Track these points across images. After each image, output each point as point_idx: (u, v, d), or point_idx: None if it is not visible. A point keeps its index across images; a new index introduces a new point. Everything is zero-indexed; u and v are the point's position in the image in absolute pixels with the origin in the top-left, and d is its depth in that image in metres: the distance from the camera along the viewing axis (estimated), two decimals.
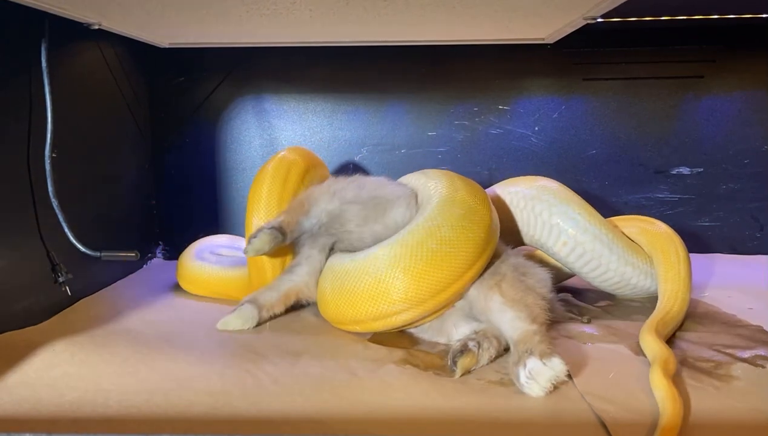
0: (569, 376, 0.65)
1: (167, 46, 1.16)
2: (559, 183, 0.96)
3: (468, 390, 0.64)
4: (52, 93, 0.84)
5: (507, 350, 0.72)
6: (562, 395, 0.63)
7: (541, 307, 0.75)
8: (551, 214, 0.92)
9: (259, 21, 0.90)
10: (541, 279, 0.81)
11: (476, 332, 0.73)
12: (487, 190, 0.93)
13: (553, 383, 0.63)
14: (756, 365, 0.69)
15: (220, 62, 1.24)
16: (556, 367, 0.63)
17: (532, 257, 0.92)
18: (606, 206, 1.25)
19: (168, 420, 0.57)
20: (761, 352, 0.73)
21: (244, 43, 1.14)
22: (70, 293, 0.86)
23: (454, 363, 0.67)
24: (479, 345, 0.70)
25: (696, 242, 1.24)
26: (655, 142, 1.25)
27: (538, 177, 0.98)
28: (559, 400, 0.62)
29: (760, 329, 0.82)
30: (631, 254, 0.91)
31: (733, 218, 1.26)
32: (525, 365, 0.64)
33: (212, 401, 0.61)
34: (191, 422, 0.57)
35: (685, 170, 1.25)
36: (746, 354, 0.73)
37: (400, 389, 0.64)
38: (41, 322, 0.83)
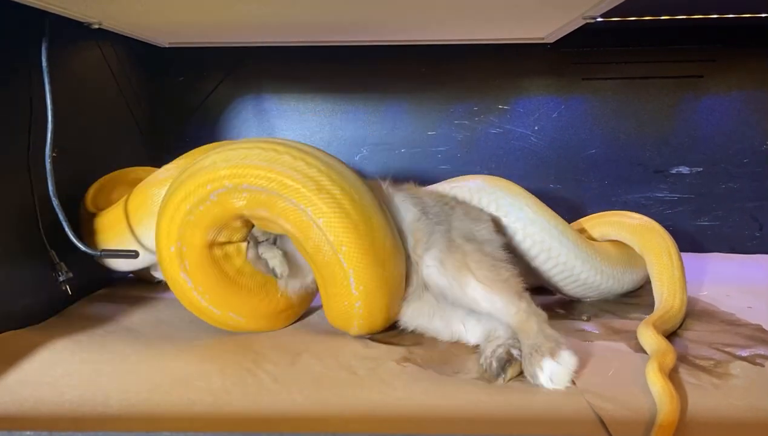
0: None
1: (167, 46, 1.16)
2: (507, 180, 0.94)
3: (467, 388, 0.64)
4: (52, 92, 0.84)
5: None
6: (561, 393, 0.63)
7: (513, 274, 0.75)
8: (498, 206, 0.90)
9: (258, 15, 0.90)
10: (489, 239, 0.80)
11: (510, 337, 0.71)
12: (429, 187, 0.91)
13: (571, 378, 0.64)
14: (755, 364, 0.70)
15: (220, 62, 1.24)
16: (569, 362, 0.64)
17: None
18: (605, 206, 1.25)
19: (168, 419, 0.57)
20: (760, 351, 0.73)
21: (244, 43, 1.14)
22: (70, 292, 0.86)
23: (503, 371, 0.66)
24: (521, 353, 0.68)
25: (695, 242, 1.24)
26: (655, 142, 1.25)
27: (486, 176, 0.96)
28: (558, 398, 0.62)
29: (759, 328, 0.82)
30: (583, 248, 0.89)
31: (732, 218, 1.26)
32: (542, 368, 0.64)
33: (212, 400, 0.61)
34: (192, 420, 0.57)
35: (684, 170, 1.25)
36: (745, 353, 0.73)
37: (400, 387, 0.64)
38: (42, 321, 0.83)
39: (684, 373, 0.68)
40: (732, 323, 0.85)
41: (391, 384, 0.65)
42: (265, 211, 0.73)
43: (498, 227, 0.87)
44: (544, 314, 0.71)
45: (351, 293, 0.73)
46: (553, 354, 0.65)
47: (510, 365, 0.67)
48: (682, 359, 0.71)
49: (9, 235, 0.79)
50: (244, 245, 0.80)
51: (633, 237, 0.95)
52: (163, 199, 0.78)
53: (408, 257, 0.78)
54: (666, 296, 0.85)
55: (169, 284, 0.80)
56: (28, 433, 0.51)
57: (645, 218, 0.97)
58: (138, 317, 0.88)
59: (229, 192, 0.73)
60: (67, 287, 0.86)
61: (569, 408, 0.60)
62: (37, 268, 0.84)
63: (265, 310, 0.81)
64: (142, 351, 0.74)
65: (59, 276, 0.85)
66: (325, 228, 0.71)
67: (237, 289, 0.79)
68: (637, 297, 0.96)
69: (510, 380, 0.66)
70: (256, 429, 0.55)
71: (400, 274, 0.77)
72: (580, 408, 0.60)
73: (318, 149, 0.77)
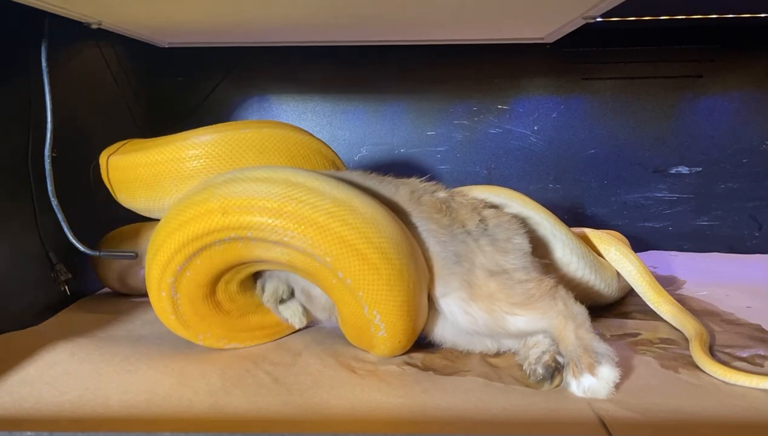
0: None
1: (167, 46, 1.16)
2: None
3: (468, 389, 0.64)
4: (51, 92, 0.84)
5: None
6: (562, 394, 0.63)
7: (541, 278, 0.70)
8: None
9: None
10: (519, 267, 0.71)
11: (552, 343, 0.68)
12: (457, 190, 0.83)
13: (611, 391, 0.62)
14: (755, 364, 0.70)
15: (219, 62, 1.24)
16: (609, 377, 0.62)
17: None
18: (605, 206, 1.25)
19: (168, 419, 0.57)
20: (760, 351, 0.73)
21: (244, 43, 1.14)
22: (69, 293, 0.86)
23: (551, 380, 0.65)
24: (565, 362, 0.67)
25: (694, 241, 1.24)
26: (654, 142, 1.25)
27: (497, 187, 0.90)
28: (559, 399, 0.62)
29: (758, 328, 0.82)
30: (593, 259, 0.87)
31: (731, 217, 1.26)
32: (580, 382, 0.63)
33: (212, 401, 0.61)
34: (191, 421, 0.57)
35: (683, 170, 1.25)
36: (745, 354, 0.73)
37: (401, 387, 0.64)
38: (41, 321, 0.83)
39: (684, 373, 0.68)
40: (731, 322, 0.85)
41: (391, 384, 0.65)
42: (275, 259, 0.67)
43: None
44: (580, 314, 0.68)
45: (377, 335, 0.69)
46: (591, 369, 0.63)
47: (558, 374, 0.65)
48: (682, 359, 0.72)
49: (9, 234, 0.79)
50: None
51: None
52: (157, 234, 0.68)
53: None
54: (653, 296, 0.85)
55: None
56: (28, 433, 0.51)
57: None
58: (138, 318, 0.88)
59: (237, 242, 0.65)
60: (66, 287, 0.86)
61: (570, 409, 0.60)
62: (37, 268, 0.84)
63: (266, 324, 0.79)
64: (142, 351, 0.74)
65: (59, 276, 0.85)
66: (354, 287, 0.65)
67: (235, 320, 0.75)
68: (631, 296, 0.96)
69: (555, 387, 0.65)
70: (256, 430, 0.55)
71: (425, 303, 0.70)
72: (581, 409, 0.60)
73: (337, 181, 0.67)
